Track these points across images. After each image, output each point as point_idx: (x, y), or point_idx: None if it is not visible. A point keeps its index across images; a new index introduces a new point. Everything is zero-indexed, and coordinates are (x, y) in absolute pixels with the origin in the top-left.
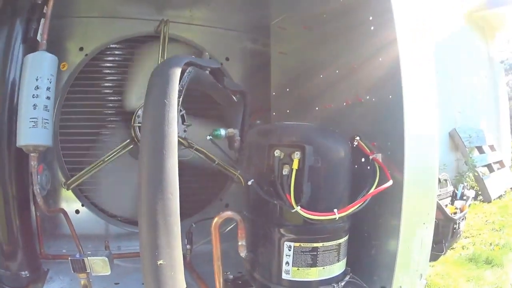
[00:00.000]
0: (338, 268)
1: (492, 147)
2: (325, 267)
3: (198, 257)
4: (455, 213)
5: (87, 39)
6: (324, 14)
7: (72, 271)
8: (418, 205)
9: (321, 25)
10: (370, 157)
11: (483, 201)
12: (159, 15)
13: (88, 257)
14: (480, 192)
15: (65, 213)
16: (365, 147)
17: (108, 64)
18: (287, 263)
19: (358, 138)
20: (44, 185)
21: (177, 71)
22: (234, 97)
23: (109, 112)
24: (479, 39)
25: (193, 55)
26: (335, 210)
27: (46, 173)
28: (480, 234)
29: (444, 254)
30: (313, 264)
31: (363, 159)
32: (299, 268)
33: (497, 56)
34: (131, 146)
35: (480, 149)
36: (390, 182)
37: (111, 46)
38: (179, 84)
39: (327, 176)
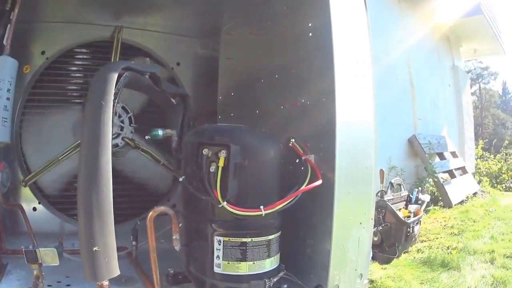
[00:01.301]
0: (269, 263)
1: (454, 154)
2: (255, 262)
3: (145, 254)
4: (408, 217)
5: (49, 43)
6: (268, 21)
7: (26, 262)
8: (352, 205)
9: (264, 32)
10: (303, 158)
11: (443, 207)
12: (116, 21)
13: (40, 248)
14: (440, 198)
15: (21, 208)
16: (299, 148)
17: (68, 68)
18: (217, 257)
19: (293, 139)
20: (5, 182)
21: (114, 76)
22: (173, 100)
23: (68, 113)
24: (445, 48)
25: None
26: (261, 207)
27: (6, 171)
28: (437, 238)
29: (397, 257)
30: (243, 259)
31: (297, 160)
32: (229, 262)
33: (462, 65)
34: None
35: (441, 156)
36: (319, 182)
37: (71, 50)
38: (115, 87)
39: (255, 174)
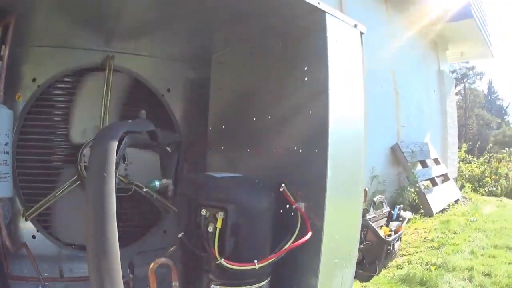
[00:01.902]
0: None
1: (436, 161)
2: None
3: (142, 282)
4: (389, 235)
5: (40, 69)
6: (262, 56)
7: None
8: (339, 249)
9: (259, 67)
10: (294, 206)
11: (424, 215)
12: (107, 47)
13: None
14: (421, 206)
15: (26, 247)
16: (290, 195)
17: (59, 96)
18: None
19: (283, 185)
20: (6, 214)
21: (114, 144)
22: (168, 148)
23: (61, 144)
24: (431, 53)
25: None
26: (255, 261)
27: (7, 203)
28: (417, 252)
29: (377, 274)
30: None
31: (287, 205)
32: None
33: (448, 69)
34: (78, 182)
35: (423, 163)
36: (308, 235)
37: (62, 77)
38: (116, 156)
39: (249, 230)
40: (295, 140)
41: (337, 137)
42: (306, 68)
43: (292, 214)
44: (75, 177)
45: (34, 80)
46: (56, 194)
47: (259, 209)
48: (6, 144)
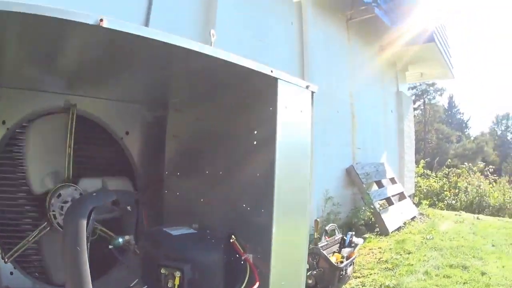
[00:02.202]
0: None
1: (393, 180)
2: None
3: None
4: (341, 261)
5: (9, 112)
6: (216, 112)
7: None
8: None
9: (213, 120)
10: (243, 257)
11: (380, 234)
12: (69, 90)
13: None
14: (377, 225)
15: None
16: (239, 247)
17: (27, 139)
18: None
19: (233, 237)
20: None
21: (84, 222)
22: (128, 208)
23: (28, 189)
24: (390, 74)
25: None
26: None
27: None
28: (371, 274)
29: None
30: None
31: (237, 255)
32: None
33: (407, 87)
34: (48, 229)
35: (379, 183)
36: (256, 285)
37: (29, 119)
38: (87, 231)
39: (204, 283)
40: (243, 197)
41: (283, 197)
42: (255, 132)
43: (242, 263)
44: (45, 223)
45: (4, 122)
46: (30, 239)
47: (211, 264)
48: None
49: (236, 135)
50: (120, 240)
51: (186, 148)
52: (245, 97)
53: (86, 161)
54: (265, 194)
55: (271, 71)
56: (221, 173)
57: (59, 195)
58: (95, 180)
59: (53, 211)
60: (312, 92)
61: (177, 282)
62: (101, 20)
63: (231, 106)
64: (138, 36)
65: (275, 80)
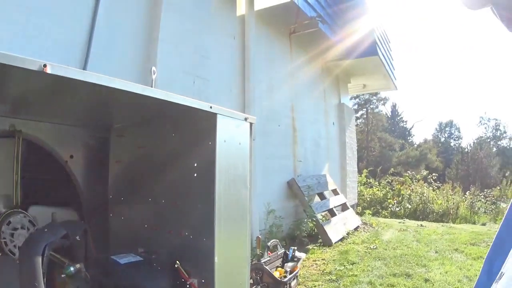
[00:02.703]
0: None
1: (335, 191)
2: None
3: None
4: (285, 276)
5: None
6: (157, 141)
7: None
8: None
9: (155, 150)
10: (187, 282)
11: (323, 245)
12: (14, 114)
13: None
14: (320, 237)
15: None
16: (184, 272)
17: None
18: None
19: (178, 263)
20: None
21: (39, 259)
22: (77, 237)
23: None
24: (332, 87)
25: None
26: None
27: None
28: (315, 286)
29: None
30: None
31: (182, 280)
32: None
33: (349, 98)
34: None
35: (321, 195)
36: None
37: None
38: (42, 267)
39: None
40: (186, 226)
41: (223, 226)
42: (195, 164)
43: (188, 287)
44: None
45: None
46: None
47: None
48: None
49: (177, 165)
50: (72, 268)
51: (129, 173)
52: (184, 130)
53: (32, 186)
54: (207, 224)
55: (210, 107)
56: (163, 201)
57: (9, 222)
58: (43, 207)
59: (4, 238)
60: (251, 124)
61: None
62: (45, 66)
63: (171, 137)
64: (80, 80)
65: (214, 115)
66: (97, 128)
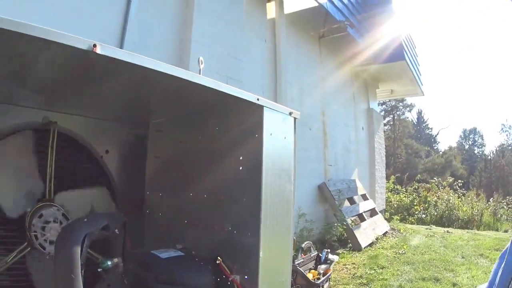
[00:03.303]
0: None
1: (364, 196)
2: None
3: None
4: (318, 278)
5: None
6: (199, 136)
7: None
8: None
9: (196, 144)
10: (230, 278)
11: (353, 250)
12: (49, 107)
13: None
14: (350, 241)
15: None
16: (226, 268)
17: (7, 155)
18: None
19: (220, 259)
20: None
21: (78, 249)
22: (116, 231)
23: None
24: (361, 92)
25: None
26: None
27: None
28: None
29: None
30: None
31: (224, 276)
32: None
33: (377, 104)
34: (29, 249)
35: (351, 200)
36: None
37: (10, 134)
38: (81, 258)
39: None
40: (230, 221)
41: (269, 220)
42: (241, 158)
43: (229, 283)
44: (25, 243)
45: None
46: (8, 261)
47: (201, 287)
48: None
49: (221, 159)
50: (109, 263)
51: (169, 169)
52: (229, 123)
53: (65, 180)
54: (252, 218)
55: (257, 99)
56: (205, 196)
57: (41, 215)
58: (75, 198)
59: (35, 231)
60: (295, 119)
61: None
62: (95, 45)
63: (215, 131)
64: (129, 63)
65: (260, 107)
66: (134, 123)
